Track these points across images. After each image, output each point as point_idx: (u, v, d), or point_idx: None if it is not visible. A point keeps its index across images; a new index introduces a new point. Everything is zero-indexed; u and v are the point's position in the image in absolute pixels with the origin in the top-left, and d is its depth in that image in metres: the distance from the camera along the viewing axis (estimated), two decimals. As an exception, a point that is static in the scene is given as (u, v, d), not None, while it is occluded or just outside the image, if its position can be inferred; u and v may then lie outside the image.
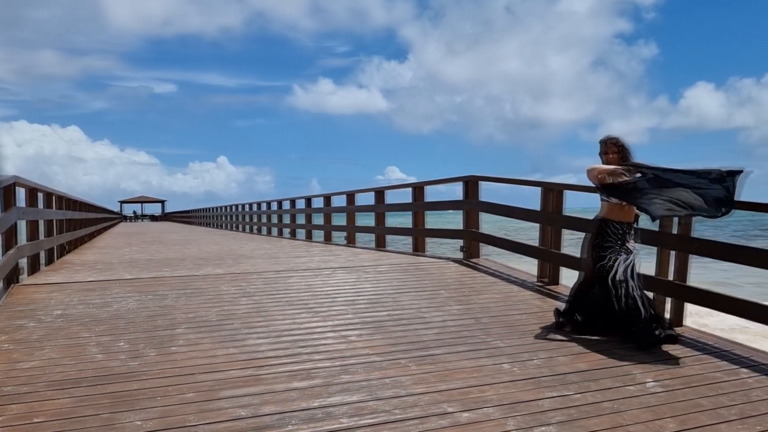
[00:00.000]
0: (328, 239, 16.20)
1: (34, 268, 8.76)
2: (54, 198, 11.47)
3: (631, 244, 4.93)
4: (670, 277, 5.35)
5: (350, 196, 15.11)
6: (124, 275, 8.31)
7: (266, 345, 4.79)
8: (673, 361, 4.37)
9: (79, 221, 15.69)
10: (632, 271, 4.87)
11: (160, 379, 3.98)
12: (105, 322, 5.47)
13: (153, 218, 69.91)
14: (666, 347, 4.66)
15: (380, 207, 13.09)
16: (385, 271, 8.30)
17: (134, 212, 73.88)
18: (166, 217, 66.86)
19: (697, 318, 7.26)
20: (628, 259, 4.88)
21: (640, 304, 4.75)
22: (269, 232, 22.14)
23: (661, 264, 5.46)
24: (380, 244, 12.88)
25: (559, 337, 4.96)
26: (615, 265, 4.87)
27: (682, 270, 5.25)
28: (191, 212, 47.22)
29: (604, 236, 4.93)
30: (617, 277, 4.84)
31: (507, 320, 5.54)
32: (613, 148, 4.97)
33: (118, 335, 5.06)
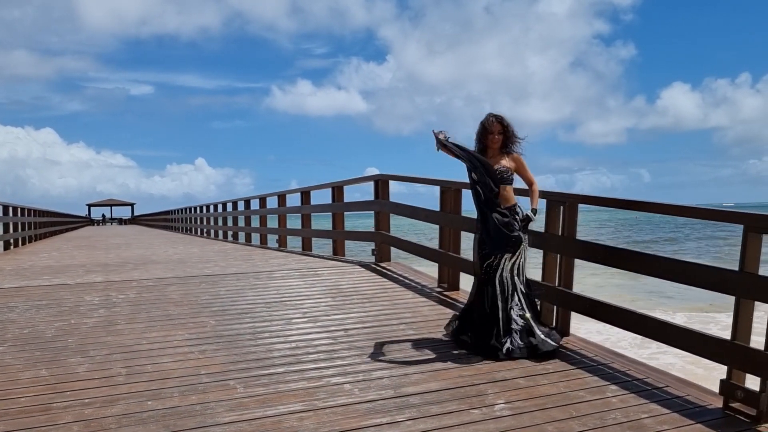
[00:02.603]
0: (263, 242, 15.48)
1: None
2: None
3: (520, 233, 4.40)
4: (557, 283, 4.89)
5: (281, 197, 14.54)
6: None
7: (88, 365, 4.17)
8: (540, 377, 3.89)
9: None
10: (519, 269, 4.38)
11: None
12: None
13: (121, 221, 67.80)
14: (540, 360, 4.20)
15: (304, 208, 12.53)
16: (279, 276, 7.71)
17: (103, 215, 71.72)
18: (134, 220, 64.66)
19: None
20: (513, 256, 4.38)
21: (500, 310, 4.26)
22: (225, 236, 20.35)
23: (546, 268, 4.99)
24: (306, 247, 12.31)
25: (427, 351, 4.45)
26: (501, 263, 4.37)
27: (567, 275, 4.79)
28: (155, 215, 45.56)
29: None
30: (504, 276, 4.35)
31: (381, 332, 5.01)
32: (498, 128, 4.40)
33: None
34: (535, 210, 4.57)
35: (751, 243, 3.28)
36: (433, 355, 4.34)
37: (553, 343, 4.31)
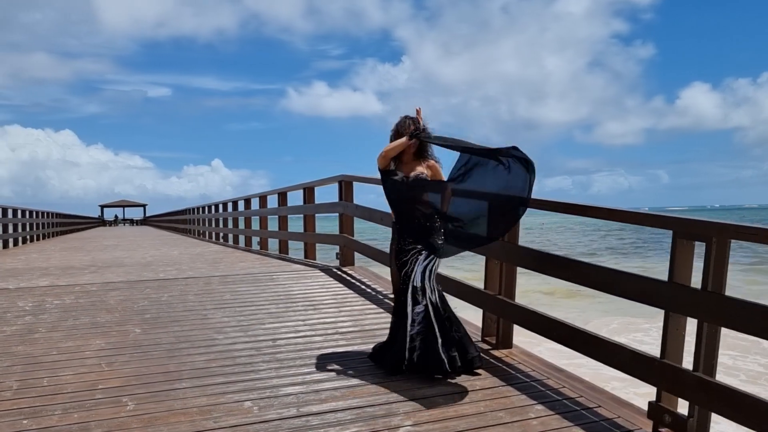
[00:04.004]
0: (264, 246, 14.88)
1: None
2: None
3: (437, 240, 4.07)
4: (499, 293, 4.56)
5: (262, 199, 14.29)
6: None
7: (-20, 377, 3.87)
8: (462, 395, 3.56)
9: None
10: (431, 274, 4.02)
11: None
12: None
13: (133, 222, 67.75)
14: (471, 375, 3.87)
15: (279, 210, 12.28)
16: (231, 281, 7.41)
17: (115, 216, 71.80)
18: (145, 221, 64.40)
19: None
20: (428, 258, 3.99)
21: (408, 321, 3.92)
22: (225, 238, 19.01)
23: (488, 276, 4.67)
24: (283, 250, 12.02)
25: (351, 365, 4.13)
26: (414, 268, 4.01)
27: (508, 283, 4.47)
28: (160, 216, 45.17)
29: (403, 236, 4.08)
30: (416, 283, 3.98)
31: (312, 342, 4.68)
32: (414, 130, 4.04)
33: None
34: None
35: (681, 251, 2.95)
36: (355, 370, 4.02)
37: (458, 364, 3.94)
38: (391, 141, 4.08)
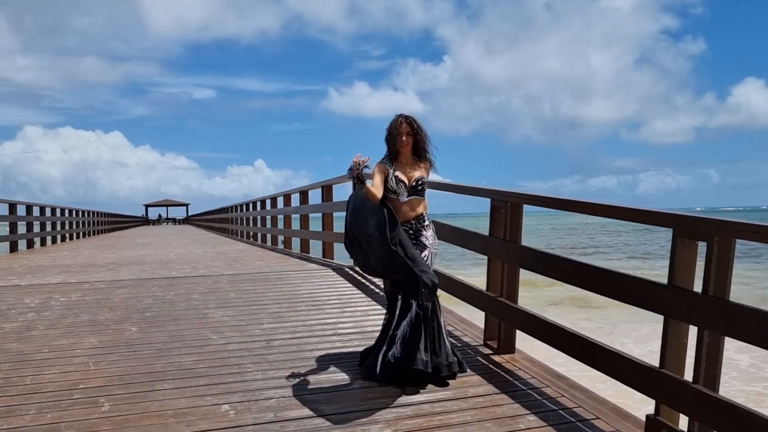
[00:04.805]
0: (288, 245, 14.80)
1: None
2: None
3: (427, 239, 3.87)
4: (501, 295, 4.34)
5: (287, 197, 14.25)
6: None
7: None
8: (451, 403, 3.36)
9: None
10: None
11: None
12: None
13: (175, 221, 69.17)
14: (464, 381, 3.67)
15: (300, 208, 12.23)
16: (240, 281, 7.32)
17: (159, 215, 73.51)
18: (187, 220, 65.49)
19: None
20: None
21: (394, 323, 3.72)
22: (261, 238, 18.11)
23: (490, 277, 4.45)
24: (304, 249, 11.96)
25: (342, 368, 3.97)
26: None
27: (510, 285, 4.25)
28: (200, 215, 45.71)
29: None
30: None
31: (308, 344, 4.54)
32: (407, 129, 3.83)
33: None
34: None
35: (682, 251, 2.70)
36: (344, 374, 3.85)
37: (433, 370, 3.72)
38: (385, 140, 3.90)
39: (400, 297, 3.74)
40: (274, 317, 5.39)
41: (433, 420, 3.12)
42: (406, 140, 3.83)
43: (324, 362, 4.09)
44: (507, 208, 4.19)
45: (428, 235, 3.86)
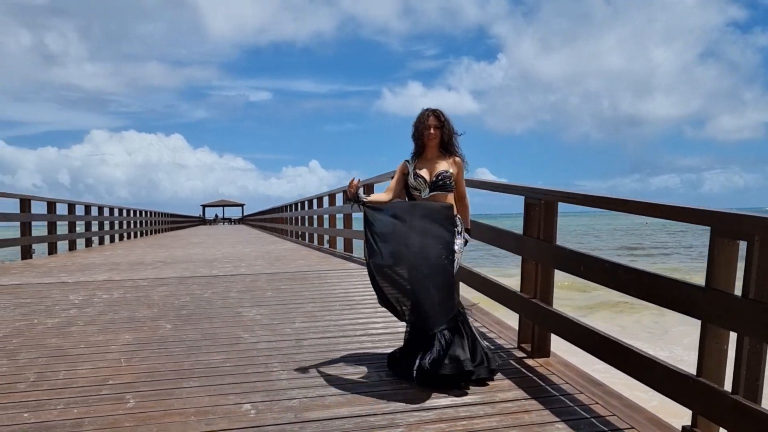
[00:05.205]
0: (333, 245, 14.83)
1: None
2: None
3: (455, 245, 3.74)
4: (534, 296, 4.18)
5: (331, 197, 14.31)
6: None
7: (5, 369, 3.94)
8: (478, 408, 3.23)
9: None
10: None
11: None
12: None
13: (231, 221, 71.05)
14: (494, 385, 3.55)
15: (344, 208, 12.23)
16: (278, 279, 7.36)
17: (216, 215, 75.74)
18: (242, 220, 66.97)
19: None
20: None
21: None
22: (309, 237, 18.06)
23: (524, 278, 4.30)
24: (347, 248, 11.99)
25: (367, 369, 3.89)
26: None
27: (544, 286, 4.09)
28: (253, 215, 46.63)
29: None
30: None
31: (337, 344, 4.49)
32: (435, 122, 3.72)
33: None
34: (470, 230, 3.95)
35: (721, 251, 2.51)
36: (370, 375, 3.77)
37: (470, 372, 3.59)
38: (412, 136, 3.82)
39: None
40: (307, 316, 5.36)
41: (456, 425, 3.01)
42: (434, 133, 3.73)
43: (351, 363, 4.03)
44: (541, 206, 4.04)
45: (458, 242, 3.71)
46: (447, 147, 3.78)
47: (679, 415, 3.85)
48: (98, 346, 4.48)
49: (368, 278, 3.69)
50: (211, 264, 9.67)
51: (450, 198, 3.77)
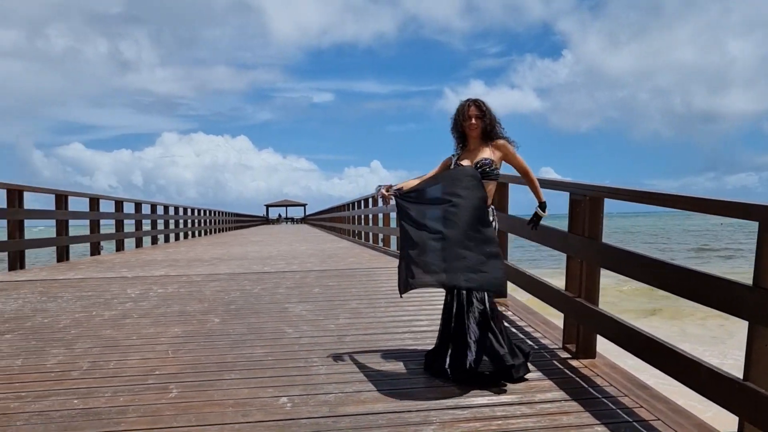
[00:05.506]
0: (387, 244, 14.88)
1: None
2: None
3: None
4: (579, 295, 4.06)
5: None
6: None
7: (61, 358, 4.15)
8: (515, 408, 3.17)
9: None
10: None
11: None
12: None
13: (293, 221, 72.70)
14: (533, 385, 3.46)
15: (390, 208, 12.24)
16: (328, 276, 7.43)
17: (279, 215, 77.68)
18: (304, 219, 68.26)
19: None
20: None
21: (453, 323, 3.54)
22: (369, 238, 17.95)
23: (569, 276, 4.18)
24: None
25: (407, 365, 3.87)
26: None
27: (589, 286, 3.96)
28: (313, 215, 47.35)
29: None
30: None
31: (379, 340, 4.49)
32: (476, 111, 3.67)
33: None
34: (544, 203, 3.81)
35: (771, 247, 2.36)
36: (408, 372, 3.76)
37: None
38: (451, 129, 3.79)
39: (464, 293, 3.60)
40: (352, 313, 5.39)
41: (490, 425, 2.95)
42: (475, 123, 3.68)
43: (391, 359, 4.02)
44: (586, 202, 3.92)
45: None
46: (489, 136, 3.72)
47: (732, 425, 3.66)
48: (149, 337, 4.64)
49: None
50: (264, 261, 9.87)
51: (492, 186, 3.71)
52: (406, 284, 3.55)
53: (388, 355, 4.12)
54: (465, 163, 3.73)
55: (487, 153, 3.70)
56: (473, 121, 3.67)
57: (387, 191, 3.73)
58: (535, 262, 23.22)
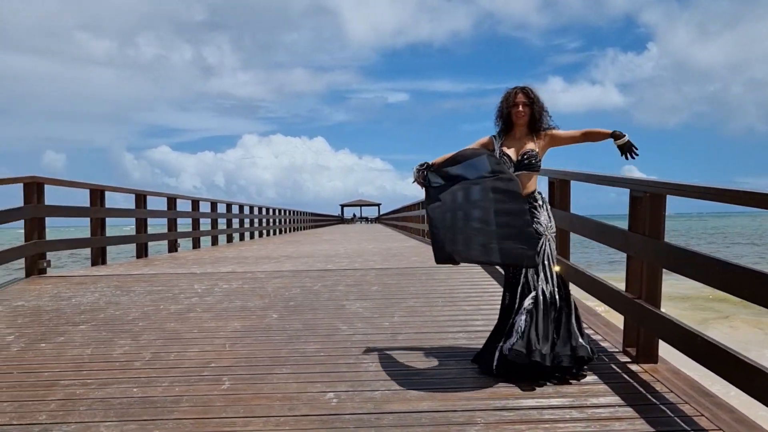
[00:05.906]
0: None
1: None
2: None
3: (541, 223, 3.58)
4: (639, 297, 3.88)
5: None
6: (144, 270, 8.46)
7: (127, 348, 4.36)
8: (564, 411, 3.06)
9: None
10: (544, 257, 3.54)
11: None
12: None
13: (368, 220, 73.90)
14: (586, 389, 3.34)
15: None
16: (387, 275, 7.44)
17: (353, 215, 79.20)
18: (378, 219, 69.10)
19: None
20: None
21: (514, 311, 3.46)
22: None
23: (629, 277, 4.00)
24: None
25: (456, 365, 3.82)
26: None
27: (650, 287, 3.77)
28: (387, 215, 47.71)
29: None
30: (527, 275, 3.56)
31: (431, 338, 4.45)
32: (523, 99, 3.57)
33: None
34: (616, 131, 3.55)
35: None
36: (459, 370, 3.70)
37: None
38: (497, 117, 3.71)
39: (520, 284, 3.55)
40: (407, 311, 5.38)
41: (537, 428, 2.86)
42: (523, 111, 3.59)
43: (441, 358, 3.98)
44: (647, 199, 3.74)
45: (542, 219, 3.58)
46: (536, 126, 3.62)
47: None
48: (209, 331, 4.80)
49: (478, 276, 3.71)
50: (329, 259, 10.01)
51: (534, 178, 3.62)
52: (446, 256, 3.51)
53: (440, 353, 4.08)
54: (510, 151, 3.64)
55: (532, 144, 3.61)
56: (520, 108, 3.58)
57: (420, 175, 3.68)
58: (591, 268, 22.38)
